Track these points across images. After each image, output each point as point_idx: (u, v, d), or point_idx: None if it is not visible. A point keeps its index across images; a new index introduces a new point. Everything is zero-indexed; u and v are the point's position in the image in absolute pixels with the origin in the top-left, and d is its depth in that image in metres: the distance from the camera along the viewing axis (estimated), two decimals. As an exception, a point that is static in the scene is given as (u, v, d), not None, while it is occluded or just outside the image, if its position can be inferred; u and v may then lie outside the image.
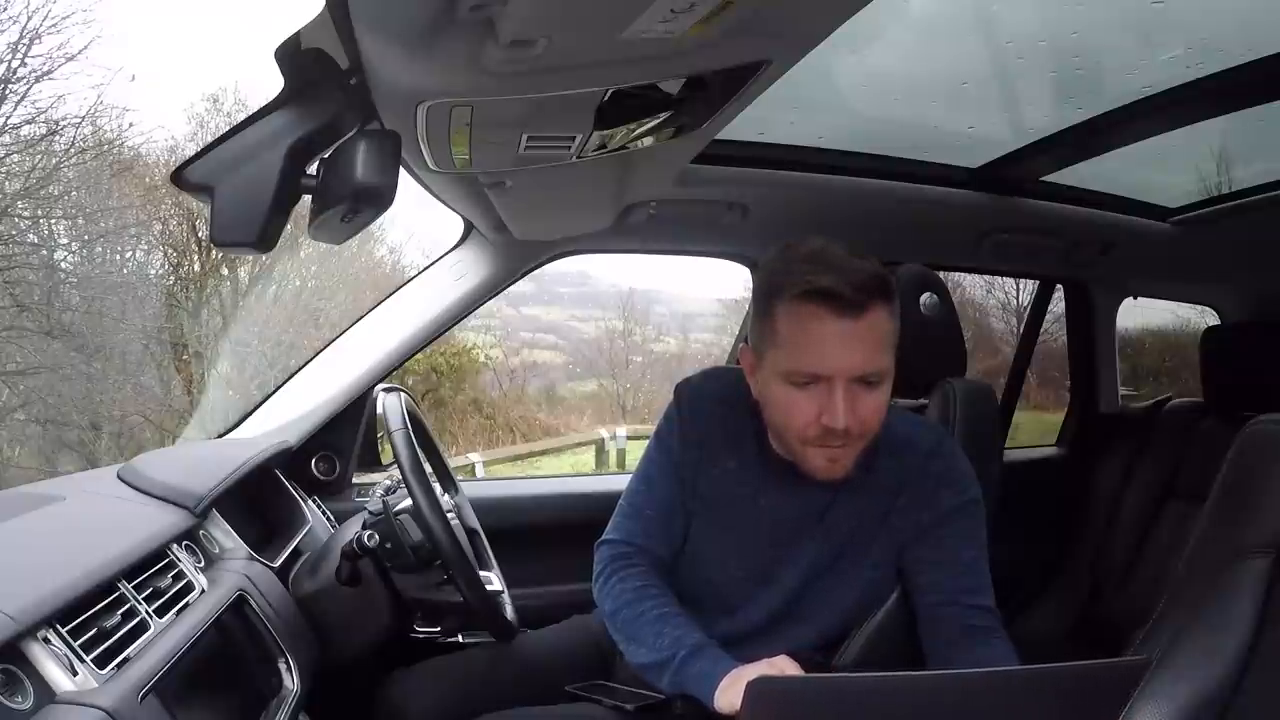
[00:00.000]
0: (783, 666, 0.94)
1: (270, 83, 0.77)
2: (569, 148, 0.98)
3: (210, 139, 0.76)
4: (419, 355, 2.46)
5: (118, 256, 7.74)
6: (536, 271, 1.73)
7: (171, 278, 7.96)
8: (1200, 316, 2.65)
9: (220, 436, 1.64)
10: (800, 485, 1.08)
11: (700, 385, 1.17)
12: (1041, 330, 2.36)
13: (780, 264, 1.01)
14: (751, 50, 0.81)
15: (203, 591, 1.04)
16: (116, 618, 0.87)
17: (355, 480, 1.67)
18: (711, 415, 1.13)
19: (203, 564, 1.11)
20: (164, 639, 0.91)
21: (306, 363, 1.66)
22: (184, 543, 1.09)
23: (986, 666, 0.99)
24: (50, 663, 0.76)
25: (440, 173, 1.12)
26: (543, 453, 8.87)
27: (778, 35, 0.79)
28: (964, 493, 1.09)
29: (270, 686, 1.08)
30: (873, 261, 1.00)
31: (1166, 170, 1.78)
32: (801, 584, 1.11)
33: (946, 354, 1.38)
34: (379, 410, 1.55)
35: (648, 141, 1.01)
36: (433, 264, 1.70)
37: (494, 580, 1.40)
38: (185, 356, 7.64)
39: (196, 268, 8.02)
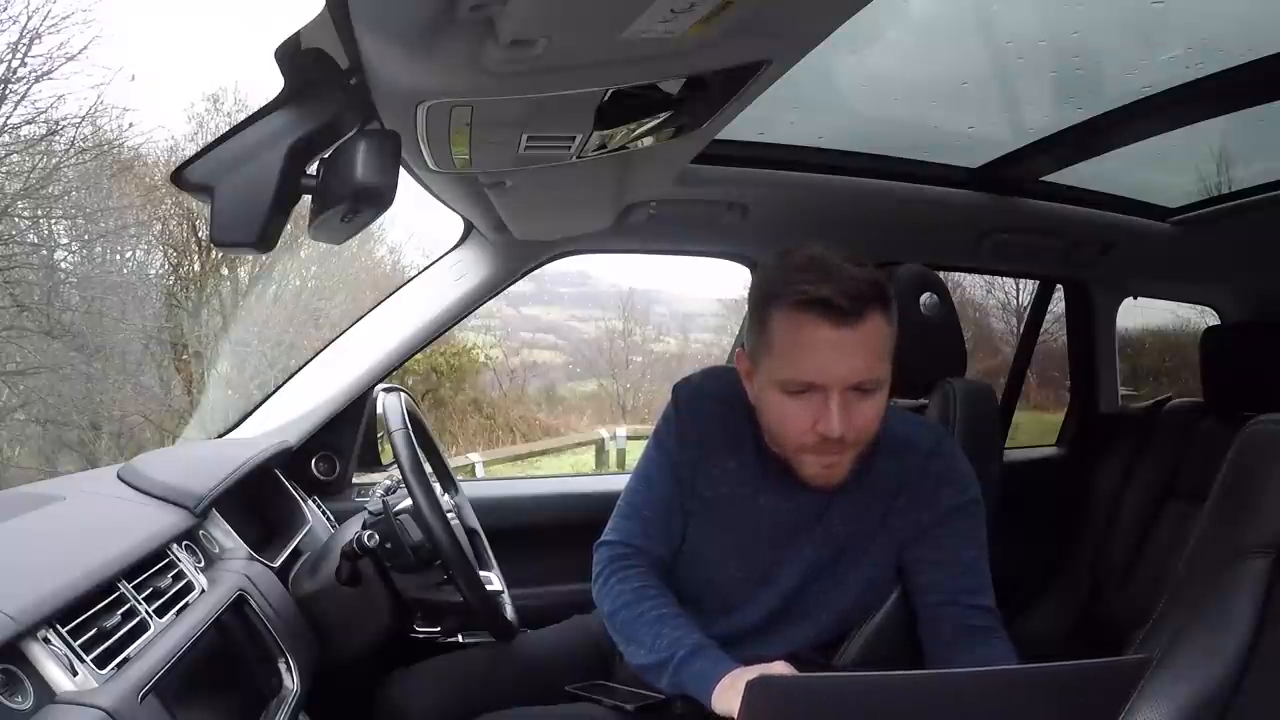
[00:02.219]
0: (781, 672, 0.93)
1: (270, 83, 0.77)
2: (569, 148, 0.98)
3: (210, 139, 0.76)
4: (419, 355, 2.46)
5: (118, 256, 7.75)
6: (536, 271, 1.73)
7: (171, 278, 7.97)
8: (1200, 316, 2.65)
9: (220, 436, 1.64)
10: (799, 486, 1.08)
11: (699, 385, 1.16)
12: (1041, 330, 2.37)
13: (776, 271, 1.00)
14: (751, 50, 0.81)
15: (203, 591, 1.04)
16: (116, 618, 0.87)
17: (355, 480, 1.67)
18: (711, 415, 1.13)
19: (203, 564, 1.11)
20: (164, 639, 0.90)
21: (306, 363, 1.66)
22: (184, 543, 1.09)
23: (986, 666, 0.99)
24: (50, 663, 0.76)
25: (440, 173, 1.12)
26: (543, 453, 8.87)
27: (778, 35, 0.79)
28: (964, 492, 1.09)
29: (270, 686, 1.08)
30: (870, 268, 0.99)
31: (1166, 170, 1.78)
32: (800, 584, 1.11)
33: (946, 354, 1.38)
34: (379, 410, 1.55)
35: (648, 141, 1.01)
36: (433, 264, 1.70)
37: (494, 580, 1.40)
38: (185, 356, 7.65)
39: (196, 268, 8.02)
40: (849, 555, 1.10)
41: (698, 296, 10.96)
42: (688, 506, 1.14)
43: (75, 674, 0.78)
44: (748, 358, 1.05)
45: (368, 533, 1.23)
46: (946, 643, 1.05)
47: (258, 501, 1.41)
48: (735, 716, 0.82)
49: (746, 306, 1.11)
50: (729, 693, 0.94)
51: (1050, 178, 1.74)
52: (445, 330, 1.71)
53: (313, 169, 0.79)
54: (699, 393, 1.15)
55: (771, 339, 1.00)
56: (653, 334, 10.89)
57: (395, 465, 1.21)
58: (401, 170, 0.83)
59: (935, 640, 1.07)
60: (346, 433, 1.63)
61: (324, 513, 1.56)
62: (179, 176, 0.75)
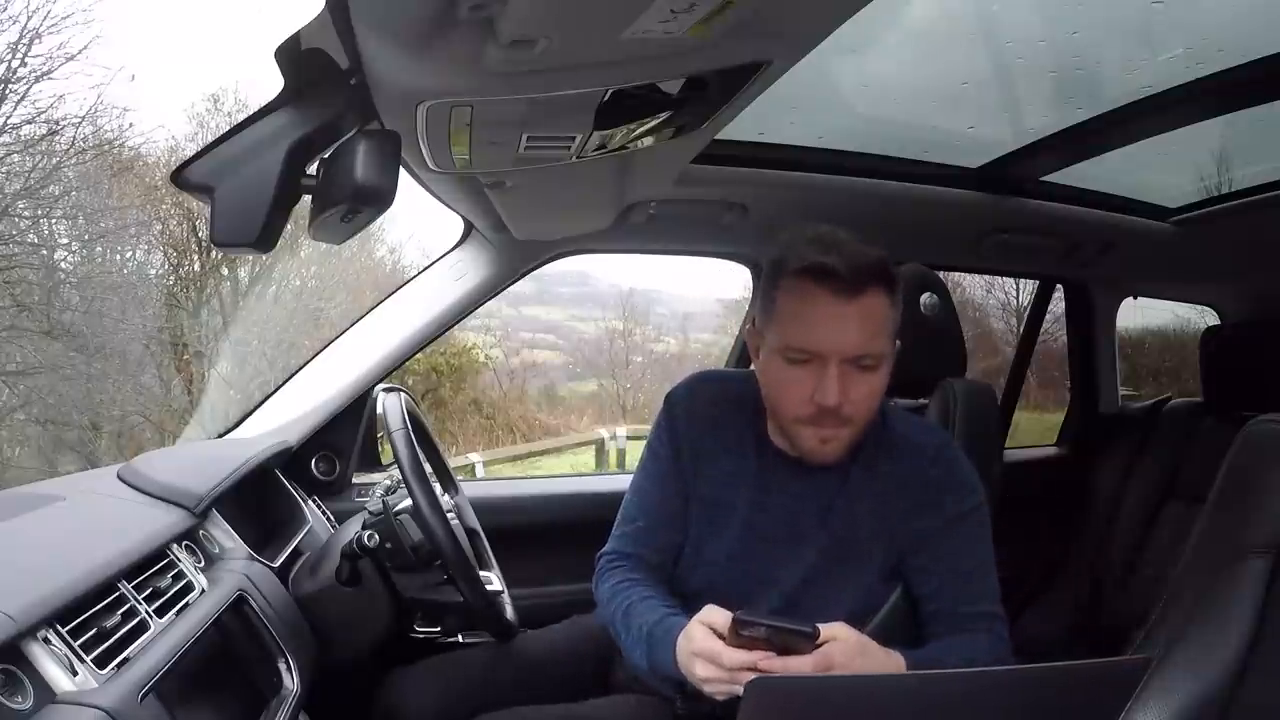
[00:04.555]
0: (711, 618, 0.93)
1: (270, 83, 0.77)
2: (569, 148, 0.98)
3: (210, 139, 0.76)
4: (419, 355, 2.46)
5: (118, 256, 7.76)
6: (536, 271, 1.73)
7: (171, 278, 7.98)
8: (1200, 316, 2.65)
9: (220, 436, 1.64)
10: (800, 486, 1.08)
11: (693, 389, 1.17)
12: (1041, 330, 2.37)
13: (788, 242, 1.04)
14: (751, 50, 0.81)
15: (203, 591, 1.04)
16: (116, 618, 0.87)
17: (355, 480, 1.67)
18: (707, 418, 1.13)
19: (203, 564, 1.11)
20: (164, 639, 0.90)
21: (306, 363, 1.66)
22: (184, 543, 1.09)
23: (967, 656, 1.00)
24: (50, 663, 0.76)
25: (440, 173, 1.11)
26: (543, 453, 8.87)
27: (778, 35, 0.79)
28: (966, 499, 1.08)
29: (270, 686, 1.08)
30: (878, 249, 1.02)
31: (1166, 170, 1.78)
32: (800, 586, 1.10)
33: (946, 354, 1.38)
34: (379, 410, 1.55)
35: (648, 141, 1.01)
36: (433, 264, 1.70)
37: (494, 580, 1.40)
38: (185, 356, 7.65)
39: (196, 268, 8.03)
40: (848, 559, 1.10)
41: (698, 296, 10.95)
42: (690, 510, 1.14)
43: (75, 674, 0.78)
44: (757, 330, 1.07)
45: (368, 533, 1.23)
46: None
47: (258, 501, 1.41)
48: (686, 663, 0.92)
49: (748, 306, 1.12)
50: (681, 641, 0.95)
51: (1050, 178, 1.74)
52: (445, 330, 1.71)
53: (313, 169, 0.79)
54: (693, 397, 1.16)
55: (777, 306, 1.02)
56: (653, 334, 10.88)
57: (395, 465, 1.21)
58: (401, 170, 0.83)
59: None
60: (346, 433, 1.63)
61: (324, 513, 1.56)
62: (179, 176, 0.75)
